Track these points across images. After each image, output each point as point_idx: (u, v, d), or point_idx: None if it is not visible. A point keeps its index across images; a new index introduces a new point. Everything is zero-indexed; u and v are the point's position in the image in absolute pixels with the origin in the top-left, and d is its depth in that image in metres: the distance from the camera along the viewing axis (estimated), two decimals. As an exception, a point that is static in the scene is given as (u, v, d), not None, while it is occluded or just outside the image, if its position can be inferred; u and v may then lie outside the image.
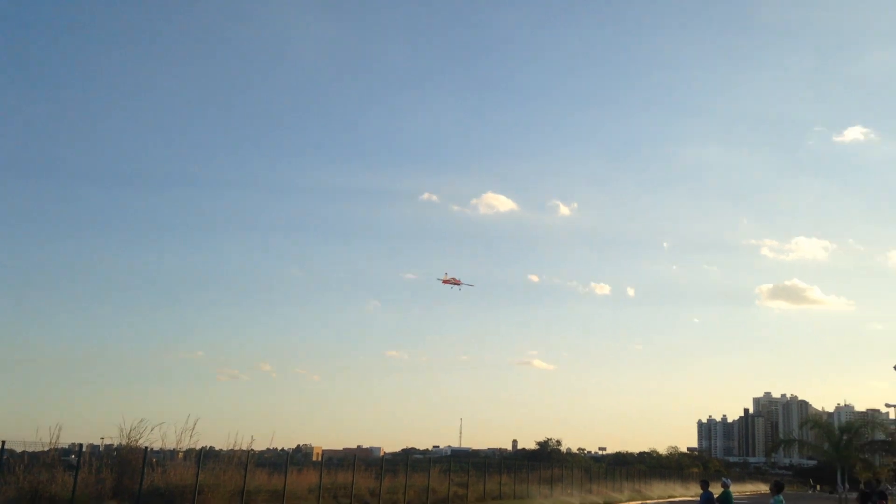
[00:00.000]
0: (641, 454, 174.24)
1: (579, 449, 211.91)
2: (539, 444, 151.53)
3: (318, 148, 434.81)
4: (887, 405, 66.46)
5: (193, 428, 33.03)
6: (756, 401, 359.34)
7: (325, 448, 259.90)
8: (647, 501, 60.11)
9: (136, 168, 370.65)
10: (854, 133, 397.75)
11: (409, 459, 47.01)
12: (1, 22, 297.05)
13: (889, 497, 52.33)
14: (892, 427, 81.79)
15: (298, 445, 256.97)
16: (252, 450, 35.44)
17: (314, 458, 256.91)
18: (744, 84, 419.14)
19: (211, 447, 37.59)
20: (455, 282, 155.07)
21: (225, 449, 35.59)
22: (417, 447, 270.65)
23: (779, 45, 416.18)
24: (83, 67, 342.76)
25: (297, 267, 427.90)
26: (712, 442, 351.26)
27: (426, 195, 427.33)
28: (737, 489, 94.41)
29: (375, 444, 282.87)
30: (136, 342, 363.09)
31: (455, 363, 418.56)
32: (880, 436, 54.48)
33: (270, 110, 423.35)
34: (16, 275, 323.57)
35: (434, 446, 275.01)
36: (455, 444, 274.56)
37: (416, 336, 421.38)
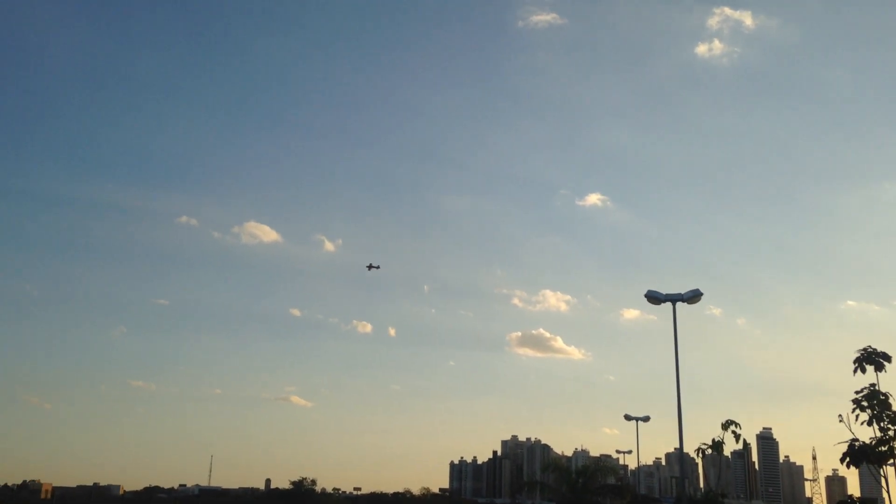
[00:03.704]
0: (396, 494, 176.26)
1: (335, 489, 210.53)
2: (294, 483, 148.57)
3: (61, 159, 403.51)
4: (618, 451, 73.15)
5: None
6: (504, 443, 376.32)
7: (55, 485, 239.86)
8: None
9: None
10: (593, 199, 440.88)
11: (152, 499, 43.85)
12: None
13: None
14: (622, 472, 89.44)
15: (25, 481, 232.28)
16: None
17: (43, 496, 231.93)
18: (498, 144, 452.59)
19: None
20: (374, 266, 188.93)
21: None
22: (162, 485, 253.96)
23: (529, 112, 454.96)
24: None
25: (32, 283, 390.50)
26: (463, 483, 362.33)
27: (183, 218, 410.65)
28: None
29: (114, 482, 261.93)
30: None
31: (208, 396, 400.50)
32: (611, 480, 59.15)
33: (9, 114, 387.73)
34: None
35: (181, 485, 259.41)
36: (204, 483, 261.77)
37: (165, 366, 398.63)
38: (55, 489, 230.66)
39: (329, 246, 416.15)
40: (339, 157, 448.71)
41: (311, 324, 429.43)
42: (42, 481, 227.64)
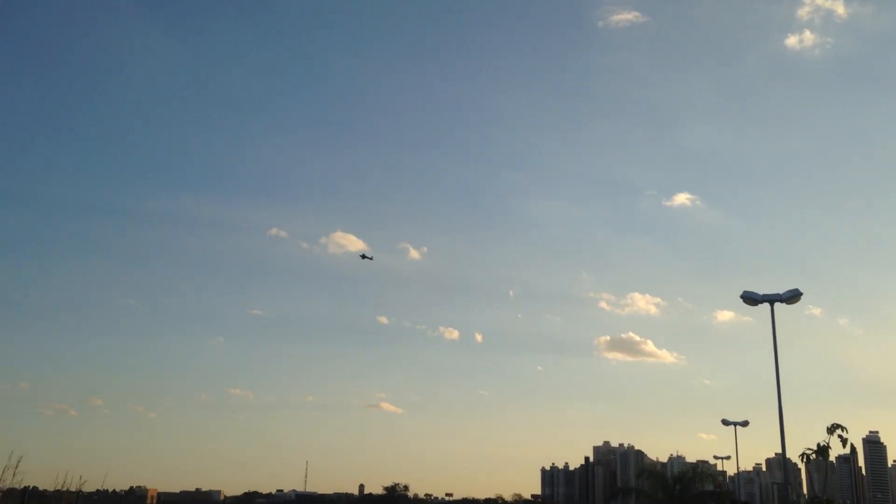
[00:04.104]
0: (488, 500, 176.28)
1: (427, 494, 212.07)
2: (386, 488, 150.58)
3: (157, 175, 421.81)
4: (716, 457, 71.17)
5: (17, 466, 30.53)
6: (596, 449, 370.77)
7: (160, 490, 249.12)
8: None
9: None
10: (682, 199, 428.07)
11: (252, 503, 45.15)
12: None
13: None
14: (720, 478, 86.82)
15: (132, 487, 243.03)
16: (81, 491, 33.08)
17: (149, 501, 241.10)
18: (581, 146, 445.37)
19: (35, 487, 34.83)
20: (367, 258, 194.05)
21: (51, 490, 33.01)
22: (261, 490, 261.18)
23: (613, 113, 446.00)
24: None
25: (134, 298, 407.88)
26: (555, 489, 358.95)
27: (273, 230, 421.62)
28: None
29: (215, 487, 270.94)
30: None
31: (301, 404, 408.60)
32: (710, 486, 57.50)
33: (106, 131, 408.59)
34: None
35: (278, 490, 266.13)
36: (300, 488, 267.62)
37: (260, 374, 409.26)
38: (160, 494, 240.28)
39: (414, 254, 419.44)
40: (422, 165, 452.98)
41: (399, 331, 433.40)
42: (147, 487, 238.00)
